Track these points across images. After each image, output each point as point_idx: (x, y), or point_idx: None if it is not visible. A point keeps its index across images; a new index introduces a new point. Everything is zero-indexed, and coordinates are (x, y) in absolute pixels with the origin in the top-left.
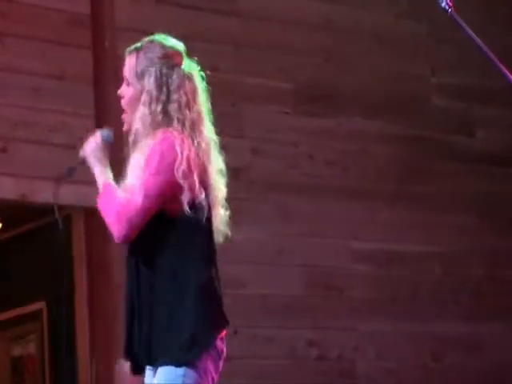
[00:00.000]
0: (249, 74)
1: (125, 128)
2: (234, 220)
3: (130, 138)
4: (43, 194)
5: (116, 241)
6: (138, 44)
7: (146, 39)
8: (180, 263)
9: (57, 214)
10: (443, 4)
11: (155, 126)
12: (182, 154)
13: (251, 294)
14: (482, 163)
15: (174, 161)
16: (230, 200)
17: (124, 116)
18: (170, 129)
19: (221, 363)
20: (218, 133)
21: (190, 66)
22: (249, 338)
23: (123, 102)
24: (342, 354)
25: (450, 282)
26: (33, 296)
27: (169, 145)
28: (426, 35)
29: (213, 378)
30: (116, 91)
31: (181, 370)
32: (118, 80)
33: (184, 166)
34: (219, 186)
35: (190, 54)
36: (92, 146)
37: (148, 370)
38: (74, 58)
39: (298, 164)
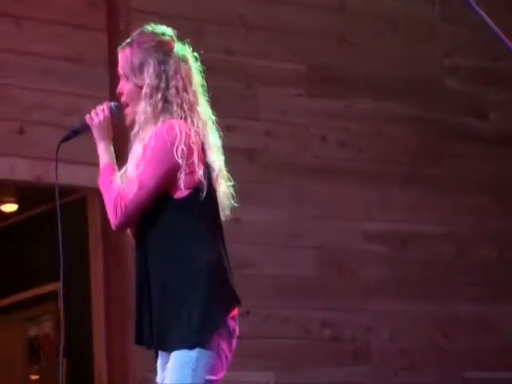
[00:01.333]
0: (262, 56)
1: (127, 121)
2: (248, 202)
3: (133, 131)
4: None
5: (116, 230)
6: (129, 39)
7: (136, 32)
8: (188, 245)
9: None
10: None
11: (156, 114)
12: (181, 133)
13: (265, 275)
14: (495, 145)
15: (174, 141)
16: (244, 182)
17: (127, 110)
18: (169, 116)
19: (234, 342)
20: (232, 115)
21: (182, 48)
22: (262, 318)
23: (124, 98)
24: (356, 334)
25: (463, 263)
26: (48, 277)
27: (168, 127)
28: (439, 17)
29: (226, 357)
30: None
31: (194, 353)
32: None
33: (183, 146)
34: (219, 163)
35: (202, 37)
36: (100, 118)
37: (160, 357)
38: (89, 41)
39: (311, 146)
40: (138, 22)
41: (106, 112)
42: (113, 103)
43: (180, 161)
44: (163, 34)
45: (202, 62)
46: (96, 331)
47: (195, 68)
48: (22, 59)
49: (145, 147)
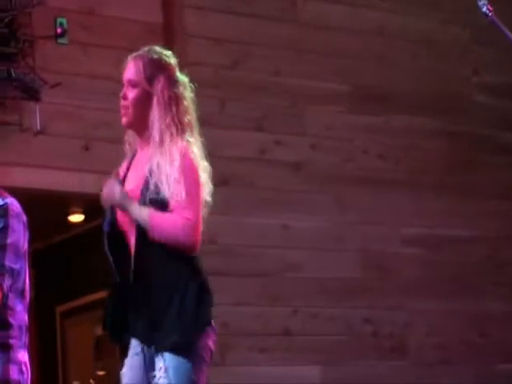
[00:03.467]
0: (308, 77)
1: (124, 123)
2: (295, 210)
3: (141, 137)
4: None
5: (193, 253)
6: (140, 52)
7: (146, 49)
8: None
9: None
10: (484, 9)
11: (175, 129)
12: (197, 156)
13: (311, 277)
14: None
15: (198, 169)
16: (292, 192)
17: (126, 112)
18: (186, 138)
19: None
20: (281, 131)
21: (183, 76)
22: (309, 316)
23: (126, 103)
24: (395, 330)
25: (493, 263)
26: None
27: (190, 153)
28: (469, 39)
29: (211, 351)
30: None
31: (186, 352)
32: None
33: (201, 173)
34: (208, 189)
35: (253, 59)
36: (117, 194)
37: (137, 350)
38: None
39: (353, 158)
40: (193, 45)
41: (117, 186)
42: (113, 178)
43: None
44: (170, 58)
45: (252, 82)
46: None
47: (191, 97)
48: (89, 82)
49: (182, 171)
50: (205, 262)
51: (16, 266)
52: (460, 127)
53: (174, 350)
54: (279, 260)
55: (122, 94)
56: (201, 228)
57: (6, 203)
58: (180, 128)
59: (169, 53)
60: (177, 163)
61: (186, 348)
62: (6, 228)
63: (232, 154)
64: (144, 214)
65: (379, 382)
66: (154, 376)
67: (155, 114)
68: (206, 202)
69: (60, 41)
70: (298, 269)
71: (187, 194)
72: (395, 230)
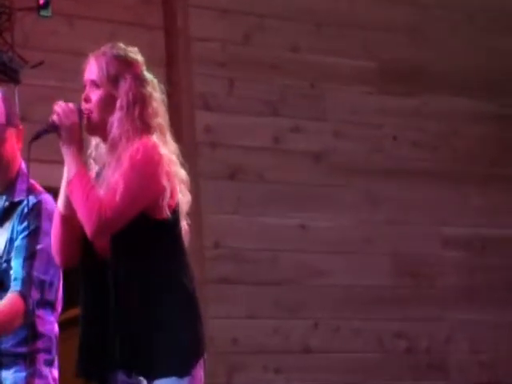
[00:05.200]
0: (330, 53)
1: (87, 129)
2: (315, 207)
3: (102, 144)
4: None
5: (88, 235)
6: (102, 49)
7: (109, 46)
8: (172, 270)
9: None
10: None
11: (134, 132)
12: (164, 157)
13: (334, 285)
14: None
15: (159, 163)
16: (312, 186)
17: (90, 117)
18: (150, 136)
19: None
20: (299, 115)
21: (151, 76)
22: (331, 330)
23: (89, 105)
24: (432, 345)
25: None
26: None
27: (153, 146)
28: None
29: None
30: (188, 72)
31: (184, 381)
32: (190, 61)
33: (168, 169)
34: (181, 195)
35: (266, 34)
36: (71, 120)
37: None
38: (145, 39)
39: (382, 147)
40: (196, 18)
41: (76, 116)
42: (78, 105)
43: (165, 183)
44: (135, 54)
45: (266, 59)
46: None
47: (162, 99)
48: (76, 60)
49: (131, 160)
50: (211, 269)
51: (46, 277)
52: (509, 110)
53: (176, 376)
54: (297, 265)
55: (83, 96)
56: (114, 227)
57: (39, 201)
58: (144, 130)
59: (135, 49)
60: (130, 155)
61: (187, 374)
62: (37, 231)
63: (242, 142)
64: (74, 166)
65: None
66: None
67: (115, 118)
68: (182, 213)
69: (43, 13)
70: (319, 275)
71: (125, 188)
72: (434, 229)
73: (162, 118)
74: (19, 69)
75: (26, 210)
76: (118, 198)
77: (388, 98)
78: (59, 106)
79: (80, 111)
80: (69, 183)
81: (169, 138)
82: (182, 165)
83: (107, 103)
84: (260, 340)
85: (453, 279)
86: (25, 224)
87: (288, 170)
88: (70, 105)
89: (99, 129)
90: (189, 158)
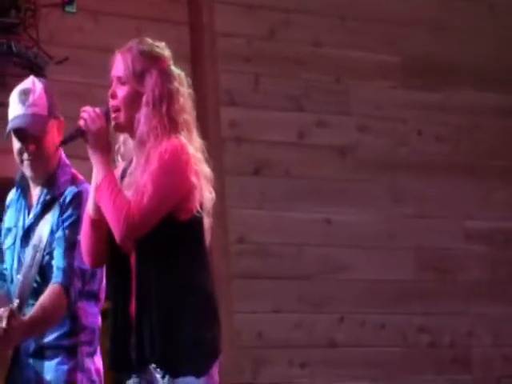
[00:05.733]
0: (354, 47)
1: (115, 125)
2: (340, 201)
3: (129, 140)
4: None
5: (117, 239)
6: (129, 45)
7: (135, 41)
8: (196, 271)
9: None
10: None
11: (162, 129)
12: (193, 157)
13: (359, 279)
14: None
15: (188, 163)
16: (336, 180)
17: (117, 115)
18: (178, 135)
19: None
20: (323, 110)
21: (179, 70)
22: (357, 324)
23: (116, 102)
24: (456, 340)
25: None
26: None
27: (181, 147)
28: None
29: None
30: (214, 68)
31: (201, 381)
32: (216, 56)
33: (196, 168)
34: (207, 192)
35: (291, 29)
36: (97, 125)
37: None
38: (170, 35)
39: (407, 141)
40: (221, 13)
41: (103, 119)
42: (105, 109)
43: (195, 181)
44: (163, 49)
45: (290, 55)
46: None
47: (189, 93)
48: (102, 56)
49: (159, 161)
50: (236, 264)
51: (87, 267)
52: None
53: (194, 375)
54: (322, 260)
55: (110, 92)
56: (142, 230)
57: (79, 191)
58: (172, 127)
59: (162, 44)
60: (159, 155)
61: (205, 373)
62: (78, 222)
63: (266, 137)
64: (101, 172)
65: None
66: None
67: (141, 114)
68: (206, 210)
69: (68, 9)
70: (343, 270)
71: (154, 190)
72: (457, 223)
73: (188, 114)
74: (44, 65)
75: (67, 200)
76: (146, 200)
77: (412, 92)
78: (85, 112)
79: (107, 115)
80: (96, 188)
81: (195, 134)
82: (207, 161)
83: (133, 99)
84: (285, 334)
85: (476, 273)
86: (66, 215)
87: (313, 165)
88: (97, 109)
89: (127, 126)
90: (214, 153)
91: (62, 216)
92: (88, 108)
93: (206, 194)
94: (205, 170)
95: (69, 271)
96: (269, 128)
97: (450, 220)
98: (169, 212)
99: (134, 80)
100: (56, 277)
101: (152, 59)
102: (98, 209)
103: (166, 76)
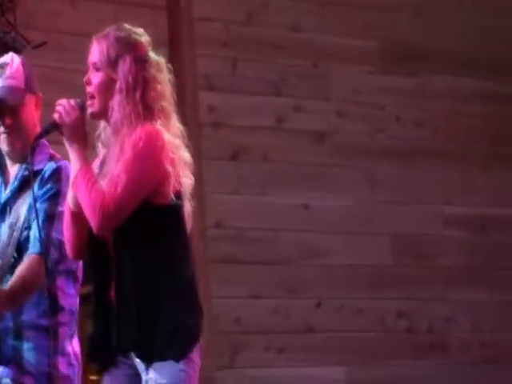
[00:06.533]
0: (333, 32)
1: (90, 113)
2: (318, 187)
3: (108, 127)
4: None
5: (94, 231)
6: (106, 31)
7: (113, 27)
8: (173, 255)
9: None
10: None
11: (136, 116)
12: (168, 141)
13: (336, 264)
14: None
15: (162, 151)
16: (314, 166)
17: (92, 102)
18: (153, 122)
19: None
20: (301, 95)
21: (157, 56)
22: (334, 309)
23: (91, 89)
24: (433, 325)
25: None
26: None
27: (156, 133)
28: None
29: (199, 368)
30: (192, 52)
31: (181, 365)
32: (194, 41)
33: (171, 155)
34: (185, 178)
35: (269, 13)
36: (72, 117)
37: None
38: (148, 20)
39: (385, 127)
40: None
41: (78, 111)
42: (80, 100)
43: (169, 169)
44: (140, 35)
45: (268, 39)
46: None
47: (168, 78)
48: (78, 41)
49: (133, 149)
50: (214, 248)
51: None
52: (511, 90)
53: (173, 359)
54: (300, 245)
55: (85, 79)
56: (118, 220)
57: (59, 167)
58: (147, 115)
59: (140, 30)
60: (133, 142)
61: (184, 358)
62: (57, 195)
63: (245, 122)
64: (77, 164)
65: None
66: None
67: (114, 101)
68: (186, 197)
69: None
70: (321, 255)
71: (128, 179)
72: (435, 209)
73: (167, 101)
74: (22, 49)
75: (46, 175)
76: (120, 190)
77: (390, 77)
78: (60, 104)
79: (82, 106)
80: (73, 180)
81: (174, 120)
82: (186, 146)
83: (108, 86)
84: (263, 320)
85: (454, 259)
86: (45, 188)
87: (290, 150)
88: (71, 101)
89: (102, 114)
90: (192, 138)
91: (41, 190)
92: (63, 100)
93: (185, 180)
94: (184, 155)
95: (46, 241)
96: (247, 113)
97: (428, 205)
98: (145, 198)
99: (109, 67)
100: (33, 247)
101: (128, 46)
102: (77, 201)
103: (141, 63)
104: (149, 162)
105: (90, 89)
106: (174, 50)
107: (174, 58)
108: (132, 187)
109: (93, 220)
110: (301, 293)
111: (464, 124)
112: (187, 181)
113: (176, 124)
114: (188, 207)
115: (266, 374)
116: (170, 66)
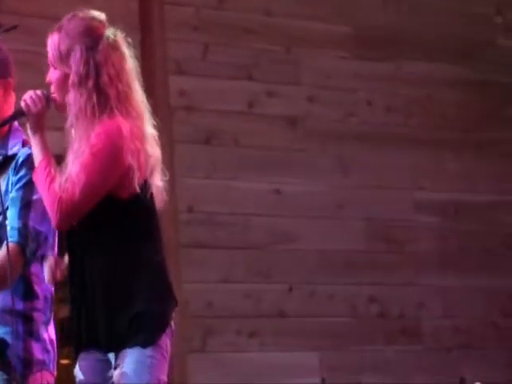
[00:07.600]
0: (305, 17)
1: (56, 106)
2: (290, 172)
3: (68, 123)
4: None
5: (54, 226)
6: (60, 23)
7: (68, 16)
8: (137, 245)
9: None
10: None
11: (91, 108)
12: (128, 134)
13: (308, 250)
14: None
15: (122, 146)
16: (286, 150)
17: (55, 98)
18: (109, 112)
19: (172, 341)
20: (272, 80)
21: (114, 33)
22: (306, 295)
23: (52, 88)
24: (405, 311)
25: None
26: None
27: (116, 127)
28: None
29: (168, 355)
30: (163, 37)
31: (148, 351)
32: (164, 25)
33: (133, 147)
34: (154, 154)
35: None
36: (38, 107)
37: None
38: (119, 4)
39: (357, 112)
40: None
41: (43, 102)
42: (46, 91)
43: (131, 162)
44: (92, 19)
45: (240, 23)
46: None
47: (128, 54)
48: (45, 24)
49: (92, 148)
50: (185, 233)
51: (42, 228)
52: (483, 75)
53: (139, 346)
54: (271, 230)
55: (46, 79)
56: (76, 218)
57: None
58: (102, 103)
59: (95, 13)
60: (92, 139)
61: (151, 344)
62: (32, 181)
63: (216, 107)
64: (39, 154)
65: (387, 370)
66: (111, 376)
67: (69, 97)
68: (156, 172)
69: None
70: (292, 240)
71: (86, 179)
72: (407, 194)
73: (123, 82)
74: None
75: (19, 161)
76: (78, 192)
77: (362, 62)
78: (27, 94)
79: (48, 97)
80: (34, 171)
81: (135, 102)
82: (155, 127)
83: (64, 82)
84: (234, 304)
85: (426, 244)
86: (19, 175)
87: (262, 135)
88: (38, 92)
89: (65, 110)
90: (163, 122)
91: (15, 176)
92: (30, 91)
93: (152, 158)
94: (148, 131)
95: (24, 231)
96: (218, 97)
97: (400, 191)
98: (108, 192)
99: (61, 63)
100: (11, 236)
101: (79, 36)
102: None
103: (91, 49)
104: (108, 162)
105: (52, 88)
106: (144, 34)
107: (145, 43)
108: (89, 189)
109: (52, 217)
110: (272, 277)
111: (436, 109)
112: (155, 157)
113: (138, 103)
114: (158, 183)
115: (237, 359)
116: (129, 39)
